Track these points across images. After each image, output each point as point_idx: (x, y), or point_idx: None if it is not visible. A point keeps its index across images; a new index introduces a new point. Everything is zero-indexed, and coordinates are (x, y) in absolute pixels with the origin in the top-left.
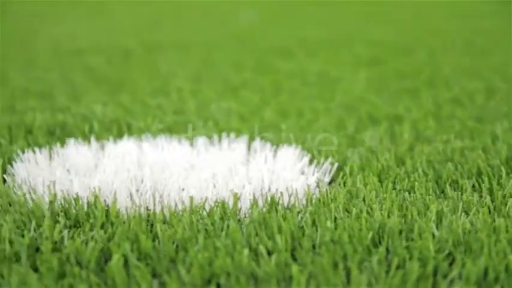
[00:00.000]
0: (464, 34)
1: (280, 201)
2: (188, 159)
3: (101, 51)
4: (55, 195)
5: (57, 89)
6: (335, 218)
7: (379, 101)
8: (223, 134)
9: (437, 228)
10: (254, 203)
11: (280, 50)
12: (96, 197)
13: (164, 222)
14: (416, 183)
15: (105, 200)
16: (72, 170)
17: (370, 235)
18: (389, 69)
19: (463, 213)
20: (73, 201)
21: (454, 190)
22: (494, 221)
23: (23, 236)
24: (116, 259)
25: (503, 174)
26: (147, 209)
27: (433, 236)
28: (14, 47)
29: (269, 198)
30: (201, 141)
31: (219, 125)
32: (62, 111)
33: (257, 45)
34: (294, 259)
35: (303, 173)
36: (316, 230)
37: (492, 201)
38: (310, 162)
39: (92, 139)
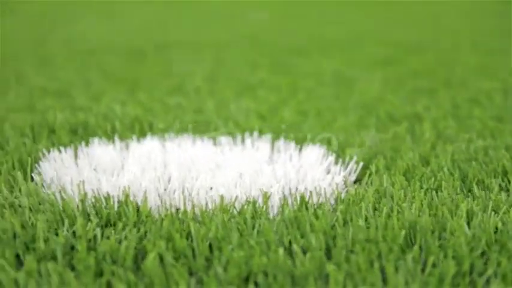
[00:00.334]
0: (475, 33)
1: (310, 200)
2: (213, 158)
3: (114, 50)
4: (85, 194)
5: (74, 88)
6: (365, 217)
7: (397, 100)
8: (246, 134)
9: (468, 227)
10: (285, 201)
11: (294, 49)
12: (127, 196)
13: (195, 221)
14: (443, 182)
15: (135, 199)
16: (99, 169)
17: (403, 234)
18: (403, 68)
19: (492, 212)
20: (104, 201)
21: (481, 189)
22: None
23: (56, 234)
24: (152, 257)
25: None
26: (177, 208)
27: (465, 234)
28: (29, 47)
29: (298, 197)
30: (224, 140)
31: (240, 125)
32: (83, 110)
33: (270, 45)
34: (328, 258)
35: (328, 172)
36: (348, 229)
37: None
38: (335, 161)
39: (116, 138)
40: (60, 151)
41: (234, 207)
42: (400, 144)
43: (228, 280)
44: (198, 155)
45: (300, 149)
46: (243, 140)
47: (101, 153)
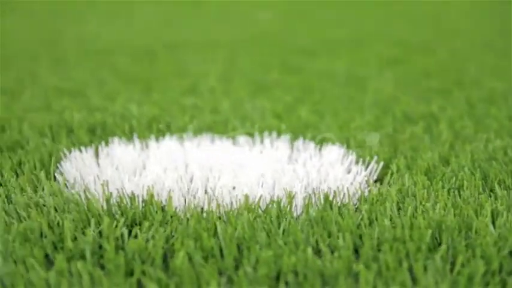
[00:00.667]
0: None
1: (334, 200)
2: (234, 158)
3: (126, 50)
4: (110, 194)
5: (89, 88)
6: (390, 217)
7: (411, 100)
8: (265, 133)
9: (493, 226)
10: (309, 201)
11: (304, 49)
12: (151, 195)
13: (221, 221)
14: (464, 182)
15: (159, 199)
16: (121, 169)
17: (429, 233)
18: (414, 68)
19: None
20: (129, 200)
21: (503, 189)
22: None
23: (83, 234)
24: (181, 257)
25: None
26: (201, 207)
27: (491, 234)
28: (41, 47)
29: (322, 197)
30: (243, 140)
31: (257, 124)
32: (99, 110)
33: (279, 45)
34: (355, 257)
35: (349, 171)
36: (374, 229)
37: None
38: (356, 161)
39: (135, 138)
40: (81, 151)
41: (259, 206)
42: (419, 144)
43: (258, 279)
44: (219, 154)
45: (320, 149)
46: (261, 140)
47: (121, 153)
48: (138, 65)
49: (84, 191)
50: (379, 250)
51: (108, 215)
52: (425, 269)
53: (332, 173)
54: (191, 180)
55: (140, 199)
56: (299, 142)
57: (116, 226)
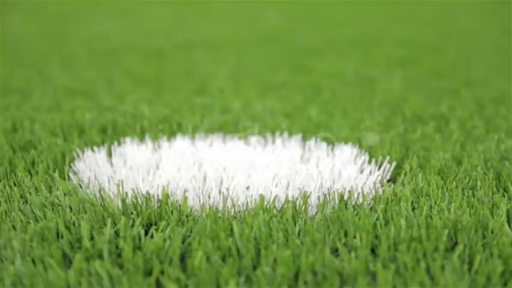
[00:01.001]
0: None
1: (348, 200)
2: (247, 158)
3: (134, 50)
4: (126, 194)
5: (98, 88)
6: (406, 216)
7: (421, 100)
8: (277, 133)
9: (509, 226)
10: (325, 201)
11: (313, 50)
12: (166, 195)
13: (237, 220)
14: (478, 181)
15: (174, 198)
16: (135, 169)
17: (446, 233)
18: (422, 68)
19: None
20: (144, 200)
21: None
22: None
23: (101, 233)
24: (199, 256)
25: None
26: (216, 207)
27: (507, 234)
28: (51, 47)
29: (337, 197)
30: (255, 140)
31: (268, 124)
32: (110, 110)
33: (287, 45)
34: (372, 257)
35: (361, 171)
36: (390, 228)
37: None
38: (369, 161)
39: (147, 138)
40: (93, 151)
41: (274, 206)
42: (430, 144)
43: (277, 279)
44: (232, 154)
45: (332, 149)
46: (273, 140)
47: (134, 153)
48: (148, 65)
49: (99, 191)
50: (396, 250)
51: (124, 215)
52: (442, 268)
53: (345, 173)
54: (205, 180)
55: (155, 199)
56: (311, 142)
57: (133, 226)
